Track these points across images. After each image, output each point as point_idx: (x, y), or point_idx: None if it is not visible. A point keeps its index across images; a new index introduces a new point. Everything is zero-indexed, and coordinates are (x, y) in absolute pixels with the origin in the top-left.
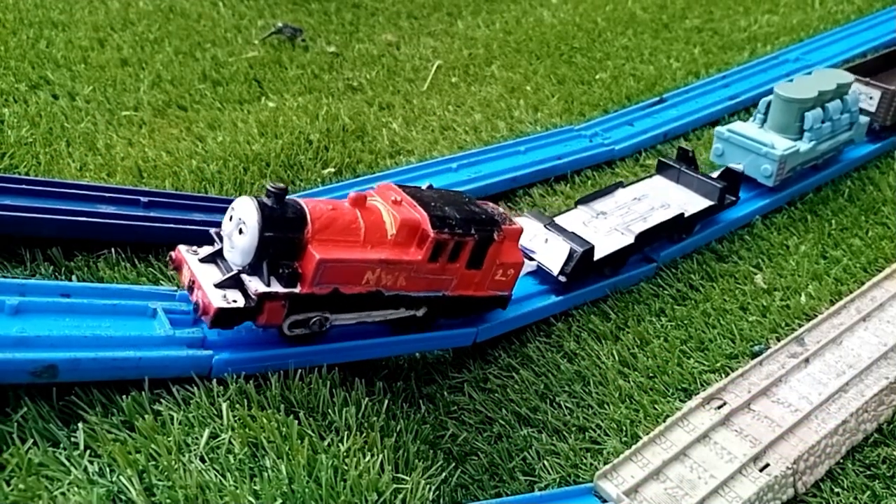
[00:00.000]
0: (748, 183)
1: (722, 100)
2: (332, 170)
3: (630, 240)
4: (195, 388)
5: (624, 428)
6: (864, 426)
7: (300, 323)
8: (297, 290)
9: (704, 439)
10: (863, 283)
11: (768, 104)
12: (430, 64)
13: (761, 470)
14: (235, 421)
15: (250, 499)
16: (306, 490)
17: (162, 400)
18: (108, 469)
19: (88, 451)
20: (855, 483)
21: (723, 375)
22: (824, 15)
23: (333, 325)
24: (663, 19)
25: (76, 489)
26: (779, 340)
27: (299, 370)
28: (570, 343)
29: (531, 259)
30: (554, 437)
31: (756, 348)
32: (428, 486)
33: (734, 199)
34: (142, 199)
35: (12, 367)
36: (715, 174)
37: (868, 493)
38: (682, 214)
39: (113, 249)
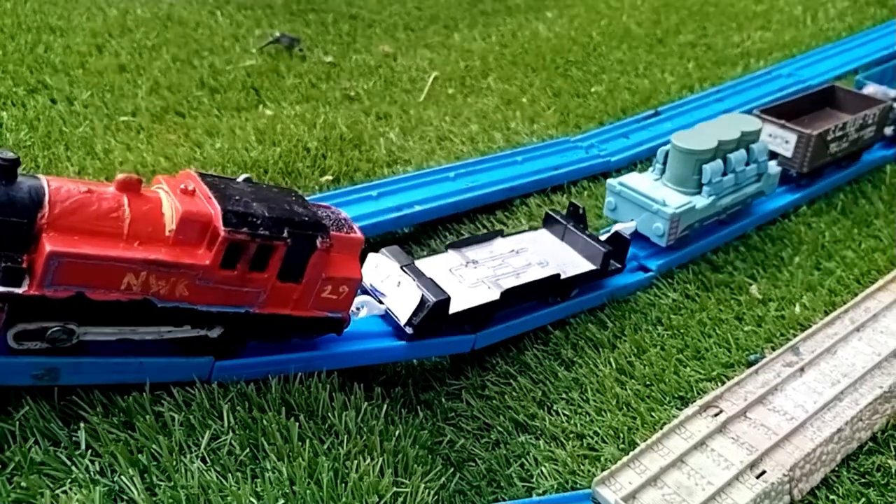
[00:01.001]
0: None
1: (716, 113)
2: (330, 177)
3: (495, 295)
4: (196, 390)
5: (621, 435)
6: (858, 434)
7: (32, 334)
8: (21, 290)
9: (701, 446)
10: (856, 294)
11: (666, 154)
12: (426, 75)
13: (758, 477)
14: (236, 423)
15: (252, 499)
16: (307, 492)
17: (163, 401)
18: (109, 469)
19: (90, 451)
20: (850, 490)
21: (719, 384)
22: (816, 32)
23: (85, 341)
24: (657, 34)
25: (78, 488)
26: (774, 350)
27: (299, 374)
28: (567, 351)
29: (381, 303)
30: (552, 444)
31: (752, 357)
32: (427, 490)
33: (619, 266)
34: None
35: (14, 369)
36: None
37: (863, 500)
38: (559, 276)
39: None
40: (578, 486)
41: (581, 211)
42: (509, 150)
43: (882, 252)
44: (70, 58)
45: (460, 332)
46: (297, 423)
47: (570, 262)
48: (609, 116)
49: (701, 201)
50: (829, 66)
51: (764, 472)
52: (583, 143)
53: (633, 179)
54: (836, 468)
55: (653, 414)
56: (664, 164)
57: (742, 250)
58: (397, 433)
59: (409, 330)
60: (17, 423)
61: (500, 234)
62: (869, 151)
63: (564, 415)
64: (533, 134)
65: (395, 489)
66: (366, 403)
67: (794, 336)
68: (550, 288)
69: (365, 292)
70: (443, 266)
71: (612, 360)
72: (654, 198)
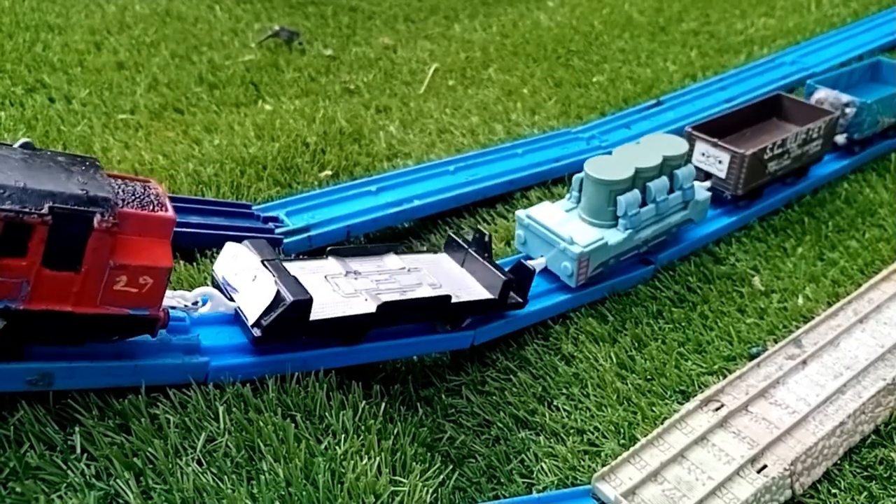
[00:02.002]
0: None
1: (718, 102)
2: (329, 172)
3: (371, 308)
4: (192, 391)
5: (622, 430)
6: (861, 428)
7: None
8: None
9: (702, 441)
10: (860, 286)
11: (581, 182)
12: (426, 67)
13: (759, 471)
14: (232, 424)
15: (247, 502)
16: (303, 493)
17: (158, 403)
18: (104, 472)
19: (85, 455)
20: (852, 484)
21: (720, 377)
22: (820, 18)
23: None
24: (660, 22)
25: (73, 492)
26: (776, 342)
27: (296, 374)
28: (567, 346)
29: (231, 300)
30: (552, 440)
31: (754, 350)
32: (426, 488)
33: (521, 300)
34: None
35: (8, 375)
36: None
37: (865, 493)
38: (448, 298)
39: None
40: (579, 481)
41: (486, 238)
42: (510, 141)
43: (886, 242)
44: (68, 56)
45: (323, 345)
46: (294, 424)
47: (465, 288)
48: (611, 106)
49: (615, 236)
50: (834, 53)
51: (765, 467)
52: (584, 134)
53: (543, 211)
54: (839, 462)
55: (653, 409)
56: (580, 192)
57: (744, 241)
58: (396, 431)
59: (256, 332)
60: (12, 427)
61: (394, 249)
62: (820, 165)
63: (565, 410)
64: (534, 125)
65: (392, 488)
66: (364, 402)
67: (797, 328)
68: (439, 311)
69: (217, 286)
70: (318, 271)
71: (612, 354)
72: (561, 234)
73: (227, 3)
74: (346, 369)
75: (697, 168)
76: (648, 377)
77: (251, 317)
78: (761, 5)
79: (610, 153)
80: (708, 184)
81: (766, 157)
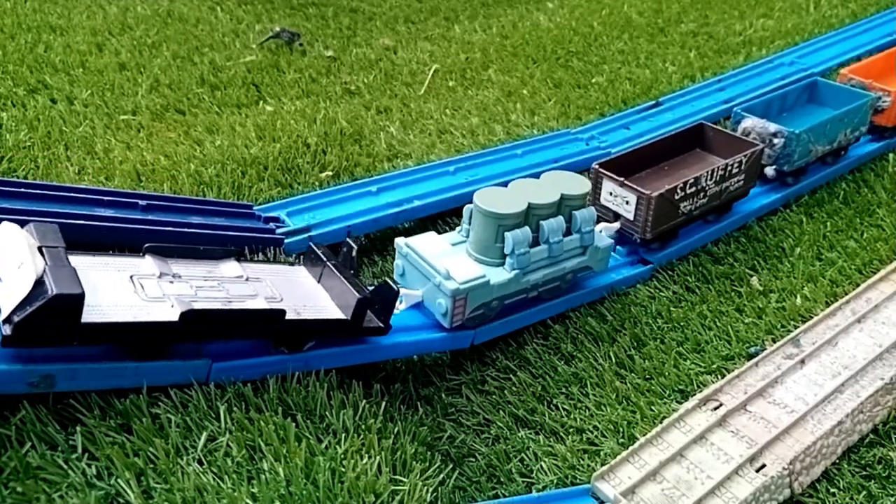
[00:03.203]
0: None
1: (717, 103)
2: (330, 173)
3: (173, 316)
4: (193, 391)
5: (621, 429)
6: (859, 427)
7: None
8: None
9: (701, 440)
10: (858, 285)
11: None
12: (427, 68)
13: (758, 471)
14: (233, 424)
15: (248, 501)
16: (304, 492)
17: (160, 403)
18: (105, 472)
19: (86, 454)
20: (851, 483)
21: (719, 377)
22: (819, 19)
23: None
24: (659, 23)
25: (74, 492)
26: (774, 342)
27: (296, 373)
28: (567, 345)
29: None
30: (551, 439)
31: (752, 350)
32: (426, 487)
33: (382, 325)
34: (140, 202)
35: (9, 377)
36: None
37: (864, 493)
38: (281, 314)
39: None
40: (578, 480)
41: (353, 252)
42: (510, 142)
43: (884, 241)
44: (70, 57)
45: (109, 358)
46: (294, 423)
47: (313, 305)
48: (610, 107)
49: (500, 275)
50: (833, 54)
51: (764, 466)
52: (583, 134)
53: (425, 242)
54: (837, 461)
55: (652, 408)
56: (470, 223)
57: (743, 241)
58: (396, 430)
59: (6, 330)
60: (14, 427)
61: (237, 255)
62: (747, 200)
63: (564, 409)
64: (533, 126)
65: (392, 487)
66: (364, 401)
67: (795, 328)
68: (269, 329)
69: None
70: (124, 269)
71: (611, 353)
72: (437, 268)
73: (229, 5)
74: (346, 369)
75: (606, 208)
76: (647, 376)
77: (3, 310)
78: (760, 6)
79: (506, 185)
80: (617, 225)
81: (676, 197)
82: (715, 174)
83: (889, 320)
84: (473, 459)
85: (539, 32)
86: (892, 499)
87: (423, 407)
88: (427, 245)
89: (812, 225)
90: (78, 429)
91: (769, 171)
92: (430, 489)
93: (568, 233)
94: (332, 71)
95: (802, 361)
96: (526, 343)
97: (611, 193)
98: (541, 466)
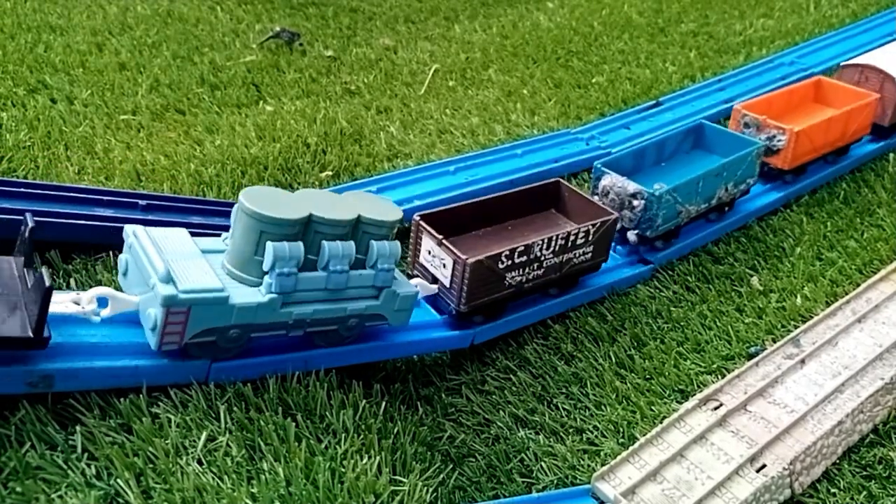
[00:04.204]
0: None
1: (717, 103)
2: (330, 173)
3: None
4: (193, 391)
5: (621, 429)
6: (859, 427)
7: None
8: None
9: (701, 440)
10: (858, 285)
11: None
12: (427, 68)
13: (758, 471)
14: (233, 423)
15: (247, 501)
16: (303, 492)
17: (160, 403)
18: (105, 472)
19: (86, 454)
20: (851, 483)
21: (719, 377)
22: (819, 19)
23: None
24: (659, 23)
25: (73, 492)
26: (775, 342)
27: (297, 373)
28: (567, 345)
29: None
30: (551, 439)
31: (752, 350)
32: (425, 487)
33: (32, 337)
34: (140, 202)
35: (8, 377)
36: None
37: (864, 493)
38: None
39: (111, 252)
40: (578, 480)
41: (27, 231)
42: (510, 142)
43: (885, 241)
44: (70, 57)
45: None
46: (294, 423)
47: None
48: (610, 107)
49: (248, 296)
50: (833, 54)
51: (764, 466)
52: (583, 134)
53: (165, 236)
54: (838, 461)
55: (652, 408)
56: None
57: (743, 241)
58: (396, 430)
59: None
60: (14, 426)
61: None
62: (600, 273)
63: (564, 409)
64: (533, 126)
65: (392, 487)
66: (364, 401)
67: (795, 328)
68: None
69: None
70: None
71: (611, 353)
72: (157, 266)
73: (229, 5)
74: (346, 368)
75: (424, 269)
76: (647, 376)
77: None
78: (760, 6)
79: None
80: (434, 288)
81: (501, 265)
82: (553, 243)
83: (889, 320)
84: (473, 459)
85: (539, 32)
86: (893, 499)
87: (423, 407)
88: (166, 241)
89: (812, 225)
90: (77, 429)
91: (631, 235)
92: (430, 489)
93: (361, 266)
94: (332, 71)
95: (802, 361)
96: (526, 343)
97: (429, 252)
98: (541, 466)
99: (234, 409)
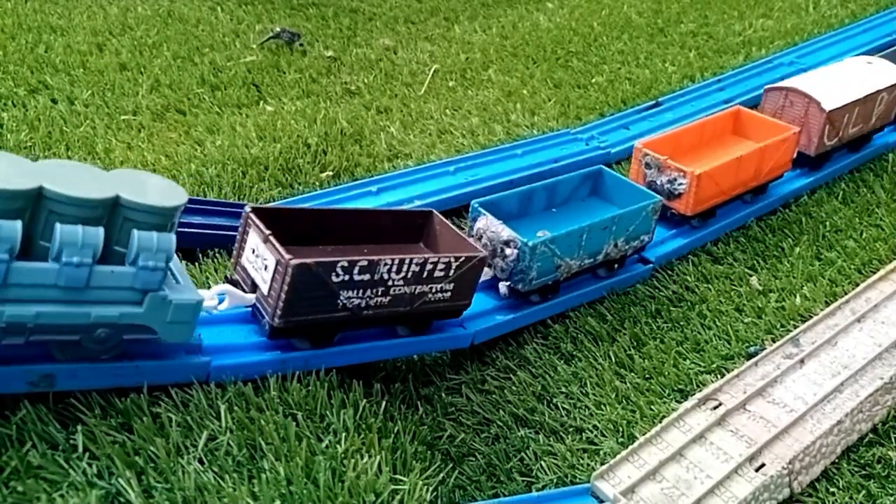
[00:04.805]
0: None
1: (717, 103)
2: (331, 173)
3: None
4: (193, 390)
5: (620, 428)
6: (859, 426)
7: None
8: None
9: (700, 439)
10: (857, 285)
11: None
12: (427, 68)
13: (757, 470)
14: (234, 423)
15: (248, 500)
16: (304, 491)
17: (160, 402)
18: (106, 471)
19: (87, 454)
20: (850, 483)
21: (718, 376)
22: (818, 19)
23: None
24: (658, 24)
25: (74, 491)
26: (774, 341)
27: (297, 372)
28: (566, 345)
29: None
30: (551, 438)
31: (752, 349)
32: (426, 486)
33: None
34: None
35: (9, 376)
36: None
37: (863, 492)
38: None
39: None
40: (578, 480)
41: None
42: (509, 142)
43: (884, 241)
44: (71, 57)
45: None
46: (295, 422)
47: None
48: (610, 107)
49: None
50: (832, 54)
51: (763, 465)
52: (583, 134)
53: None
54: (837, 460)
55: (652, 407)
56: None
57: (742, 241)
58: (396, 429)
59: None
60: (15, 426)
61: None
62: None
63: (564, 409)
64: (533, 126)
65: (392, 486)
66: (364, 400)
67: (795, 327)
68: None
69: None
70: None
71: (611, 353)
72: None
73: (229, 5)
74: (346, 368)
75: (245, 272)
76: (647, 376)
77: None
78: (759, 6)
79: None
80: (251, 298)
81: (335, 278)
82: (406, 268)
83: (888, 320)
84: (473, 458)
85: (539, 33)
86: (892, 498)
87: (423, 406)
88: None
89: (811, 224)
90: (79, 428)
91: (502, 287)
92: (431, 488)
93: (112, 259)
94: (333, 71)
95: (802, 361)
96: (526, 343)
97: (254, 251)
98: (540, 465)
99: (235, 408)
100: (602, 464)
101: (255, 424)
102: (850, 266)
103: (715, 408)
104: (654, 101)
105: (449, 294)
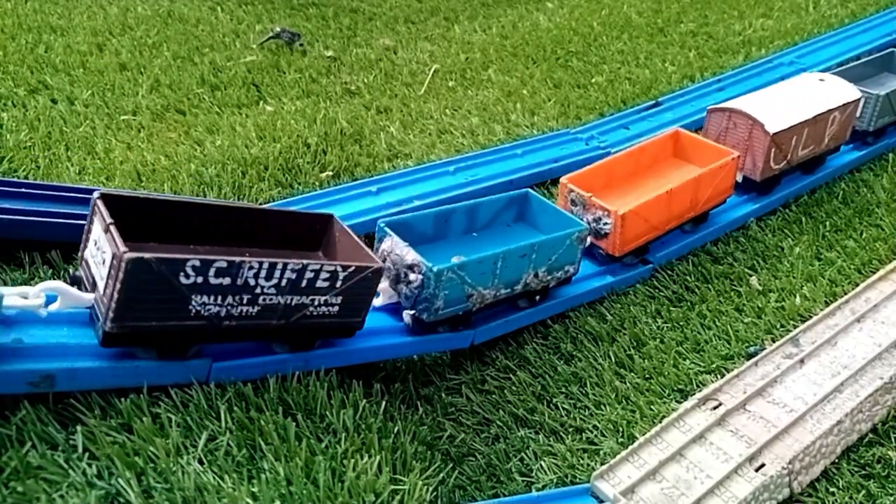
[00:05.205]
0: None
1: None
2: (330, 173)
3: None
4: (193, 391)
5: (620, 429)
6: (858, 426)
7: None
8: None
9: (700, 440)
10: (857, 285)
11: None
12: (427, 68)
13: (757, 470)
14: (234, 423)
15: (248, 500)
16: (304, 491)
17: (160, 403)
18: (106, 471)
19: (87, 454)
20: (850, 483)
21: (718, 376)
22: (818, 19)
23: None
24: (658, 23)
25: (74, 492)
26: (774, 341)
27: (297, 373)
28: (566, 345)
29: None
30: (551, 438)
31: (751, 349)
32: (426, 487)
33: None
34: None
35: (9, 377)
36: None
37: (863, 492)
38: None
39: None
40: (578, 480)
41: None
42: (509, 142)
43: (884, 241)
44: (71, 57)
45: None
46: (295, 423)
47: None
48: (609, 107)
49: None
50: (832, 53)
51: (763, 465)
52: (583, 134)
53: None
54: (837, 460)
55: (652, 407)
56: None
57: (742, 241)
58: (396, 430)
59: None
60: (15, 426)
61: None
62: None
63: (564, 409)
64: (533, 126)
65: (392, 487)
66: (364, 401)
67: (795, 327)
68: None
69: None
70: None
71: (611, 353)
72: None
73: (229, 5)
74: (346, 368)
75: (89, 267)
76: (647, 376)
77: None
78: (759, 6)
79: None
80: (90, 298)
81: (185, 280)
82: (278, 274)
83: (888, 320)
84: (473, 458)
85: (539, 32)
86: (892, 498)
87: (423, 406)
88: None
89: (811, 224)
90: (78, 428)
91: (406, 316)
92: (430, 488)
93: None
94: (333, 71)
95: (802, 361)
96: (526, 343)
97: (96, 243)
98: (540, 465)
99: (235, 408)
100: (602, 464)
101: (255, 425)
102: (849, 266)
103: (715, 408)
104: (653, 101)
105: (336, 309)
